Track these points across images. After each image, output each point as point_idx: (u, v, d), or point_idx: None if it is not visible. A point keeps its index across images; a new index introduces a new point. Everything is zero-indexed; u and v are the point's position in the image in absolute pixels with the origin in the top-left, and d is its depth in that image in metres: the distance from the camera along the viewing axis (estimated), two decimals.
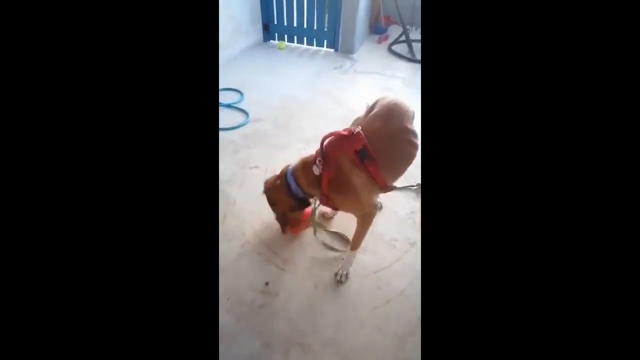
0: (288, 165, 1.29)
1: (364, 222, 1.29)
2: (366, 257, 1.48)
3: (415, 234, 1.60)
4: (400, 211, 1.71)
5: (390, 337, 1.21)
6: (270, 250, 1.50)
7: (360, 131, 1.15)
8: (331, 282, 1.38)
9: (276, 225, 1.51)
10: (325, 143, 1.17)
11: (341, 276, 1.38)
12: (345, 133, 1.15)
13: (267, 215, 1.66)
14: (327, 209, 1.49)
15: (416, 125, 1.27)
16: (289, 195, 1.25)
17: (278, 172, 1.32)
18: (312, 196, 1.29)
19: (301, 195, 1.25)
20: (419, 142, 1.25)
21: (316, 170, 1.16)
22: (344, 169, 1.13)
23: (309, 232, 1.56)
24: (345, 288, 1.36)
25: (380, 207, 1.44)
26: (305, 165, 1.22)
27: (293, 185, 1.23)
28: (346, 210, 1.30)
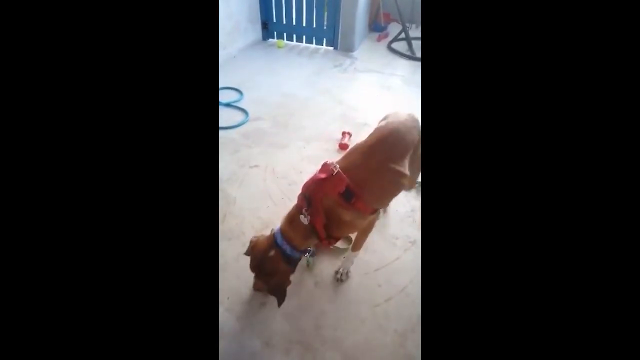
0: (272, 229, 1.17)
1: (364, 232, 1.30)
2: (367, 256, 1.48)
3: (415, 232, 1.60)
4: (400, 209, 1.71)
5: (391, 335, 1.21)
6: None
7: (339, 170, 1.09)
8: (331, 280, 1.38)
9: (277, 224, 1.50)
10: (307, 190, 1.12)
11: (341, 275, 1.38)
12: (324, 176, 1.09)
13: (266, 214, 1.67)
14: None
15: (412, 151, 1.21)
16: (287, 262, 1.11)
17: (267, 234, 1.18)
18: (308, 250, 1.21)
19: (297, 256, 1.13)
20: (405, 169, 1.17)
21: (304, 220, 1.08)
22: (332, 212, 1.08)
23: None
24: (346, 286, 1.37)
25: (384, 211, 1.39)
26: (292, 220, 1.12)
27: (288, 248, 1.10)
28: (350, 233, 1.29)
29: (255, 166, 1.99)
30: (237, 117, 2.44)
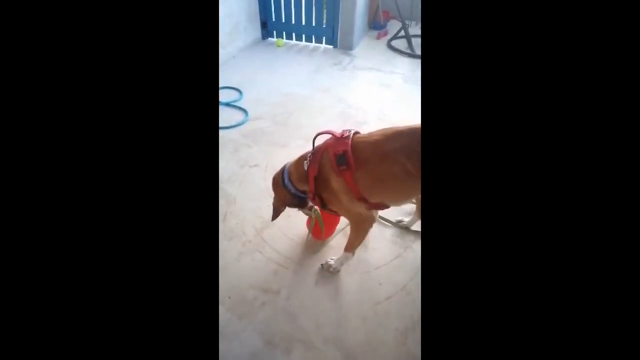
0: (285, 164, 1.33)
1: (355, 229, 1.28)
2: (367, 254, 1.48)
3: (415, 230, 1.60)
4: (399, 208, 1.71)
5: (391, 333, 1.21)
6: (271, 249, 1.50)
7: (351, 135, 1.12)
8: (332, 279, 1.38)
9: (276, 224, 1.51)
10: (316, 140, 1.21)
11: (325, 265, 1.39)
12: (337, 134, 1.16)
13: (267, 213, 1.67)
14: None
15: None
16: (283, 189, 1.28)
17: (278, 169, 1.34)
18: (304, 193, 1.27)
19: (292, 190, 1.26)
20: (415, 169, 1.06)
21: (305, 165, 1.18)
22: (324, 169, 1.14)
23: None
24: (346, 285, 1.37)
25: (374, 220, 1.29)
26: (299, 160, 1.25)
27: (286, 179, 1.26)
28: (337, 212, 1.27)
29: (255, 165, 1.99)
30: (237, 116, 2.44)
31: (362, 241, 1.32)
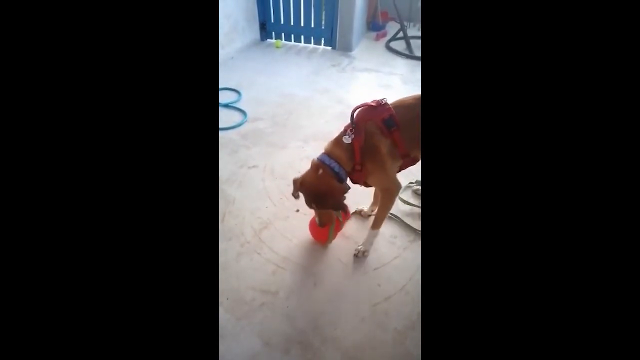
0: (314, 159, 1.27)
1: (386, 197, 1.36)
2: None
3: (414, 230, 1.60)
4: (399, 208, 1.71)
5: (390, 333, 1.21)
6: (269, 249, 1.50)
7: (386, 102, 1.26)
8: (331, 280, 1.39)
9: (276, 224, 1.51)
10: (355, 114, 1.26)
11: (359, 252, 1.46)
12: (374, 104, 1.26)
13: (266, 214, 1.67)
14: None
15: None
16: (338, 180, 1.23)
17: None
18: (348, 175, 1.28)
19: (344, 175, 1.25)
20: None
21: (347, 139, 1.22)
22: (372, 136, 1.22)
23: (307, 232, 1.55)
24: (345, 286, 1.37)
25: (400, 187, 1.38)
26: (337, 142, 1.26)
27: (336, 166, 1.22)
28: (373, 183, 1.35)
29: (254, 166, 1.99)
30: (236, 117, 2.44)
31: (389, 211, 1.42)
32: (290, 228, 1.60)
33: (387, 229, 1.60)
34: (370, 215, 1.65)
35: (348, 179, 1.29)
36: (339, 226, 1.46)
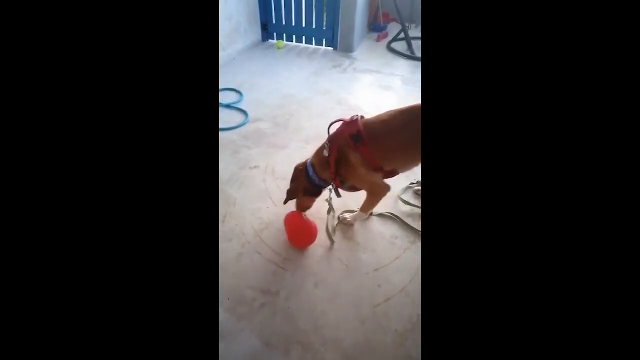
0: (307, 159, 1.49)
1: (371, 194, 1.49)
2: (366, 255, 1.48)
3: (414, 231, 1.60)
4: (400, 209, 1.71)
5: (391, 334, 1.21)
6: (270, 250, 1.50)
7: (357, 118, 1.38)
8: (331, 281, 1.39)
9: (276, 224, 1.53)
10: (330, 129, 1.43)
11: (341, 217, 1.61)
12: (347, 120, 1.39)
13: (267, 214, 1.67)
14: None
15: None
16: (306, 179, 1.46)
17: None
18: (325, 182, 1.47)
19: (316, 181, 1.45)
20: (416, 139, 1.33)
21: (325, 152, 1.39)
22: (342, 149, 1.36)
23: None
24: (345, 287, 1.37)
25: (388, 189, 1.49)
26: (318, 152, 1.46)
27: (311, 171, 1.45)
28: (355, 184, 1.46)
29: (255, 167, 1.99)
30: (237, 118, 2.44)
31: (375, 205, 1.54)
32: None
33: (388, 229, 1.61)
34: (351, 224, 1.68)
35: (332, 186, 1.49)
36: (309, 235, 1.51)
